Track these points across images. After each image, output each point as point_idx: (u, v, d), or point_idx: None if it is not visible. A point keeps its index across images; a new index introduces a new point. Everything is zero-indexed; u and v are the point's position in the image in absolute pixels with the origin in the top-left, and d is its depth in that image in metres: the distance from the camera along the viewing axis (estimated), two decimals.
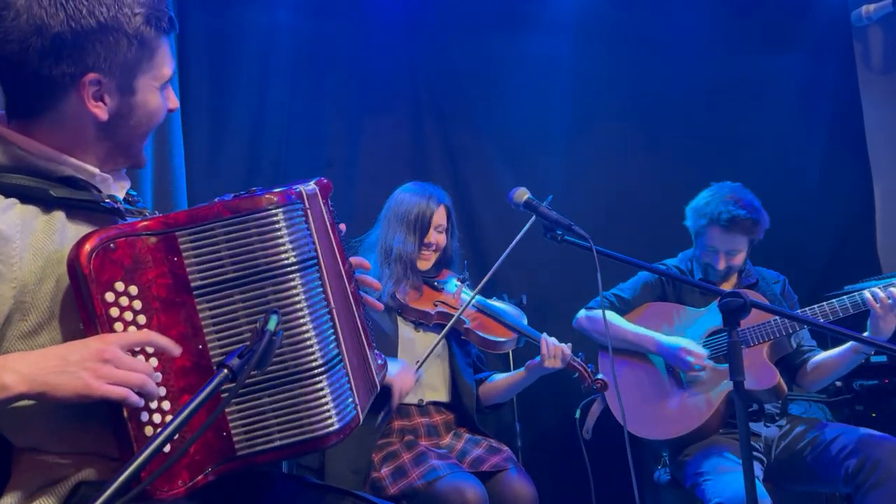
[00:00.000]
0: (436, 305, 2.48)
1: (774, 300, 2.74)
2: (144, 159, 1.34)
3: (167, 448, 1.13)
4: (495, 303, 2.61)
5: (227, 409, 1.20)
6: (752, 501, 1.48)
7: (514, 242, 2.31)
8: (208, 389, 1.01)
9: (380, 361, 1.59)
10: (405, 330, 2.50)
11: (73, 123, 1.21)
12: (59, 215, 1.20)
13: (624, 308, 2.83)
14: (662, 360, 2.74)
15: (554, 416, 3.23)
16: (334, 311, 1.32)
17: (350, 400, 1.30)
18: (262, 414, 1.21)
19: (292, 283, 1.22)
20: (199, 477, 1.19)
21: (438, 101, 3.52)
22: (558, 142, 3.62)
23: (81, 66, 1.17)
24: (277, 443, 1.21)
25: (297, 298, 1.22)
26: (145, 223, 1.19)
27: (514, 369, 2.65)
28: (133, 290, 1.16)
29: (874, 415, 2.88)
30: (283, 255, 1.21)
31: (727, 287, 2.74)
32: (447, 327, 2.39)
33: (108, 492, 0.87)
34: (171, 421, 0.98)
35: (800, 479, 2.55)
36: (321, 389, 1.23)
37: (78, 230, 1.19)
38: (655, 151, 3.69)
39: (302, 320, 1.22)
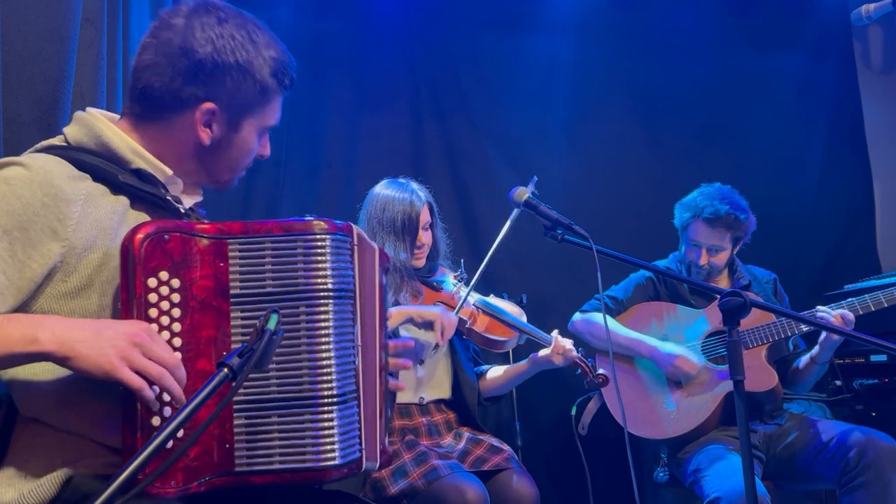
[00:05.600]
0: (436, 305, 2.48)
1: (767, 301, 2.74)
2: (229, 186, 1.48)
3: (169, 444, 1.14)
4: (495, 301, 2.60)
5: (234, 422, 1.22)
6: (751, 498, 1.47)
7: (500, 234, 2.38)
8: (208, 388, 1.02)
9: (389, 448, 1.58)
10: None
11: (178, 137, 1.36)
12: (123, 200, 1.30)
13: (618, 309, 2.84)
14: None
15: (554, 415, 3.23)
16: (360, 350, 1.34)
17: (356, 441, 1.31)
18: (268, 433, 1.23)
19: (324, 308, 1.25)
20: (193, 484, 1.20)
21: (438, 101, 3.52)
22: (558, 142, 3.62)
23: (207, 92, 1.33)
24: (276, 465, 1.22)
25: (325, 324, 1.25)
26: (202, 226, 1.25)
27: (514, 363, 2.65)
28: (175, 283, 1.21)
29: (874, 413, 2.88)
30: (321, 280, 1.25)
31: None
32: (454, 313, 2.39)
33: (111, 489, 0.89)
34: (173, 418, 0.99)
35: (799, 477, 2.55)
36: (330, 420, 1.24)
37: (138, 217, 1.30)
38: (655, 151, 3.69)
39: (325, 346, 1.25)
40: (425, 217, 2.52)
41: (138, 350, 1.11)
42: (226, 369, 1.05)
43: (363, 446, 1.33)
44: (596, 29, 3.68)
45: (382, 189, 2.55)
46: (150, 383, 1.12)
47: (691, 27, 3.75)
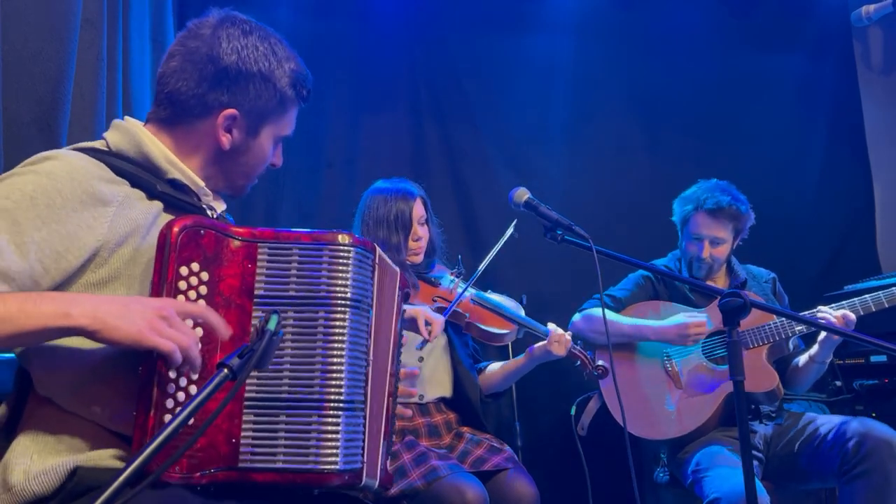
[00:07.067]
0: (434, 301, 2.48)
1: (766, 300, 2.75)
2: (243, 192, 1.55)
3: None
4: (492, 295, 2.60)
5: (243, 419, 1.25)
6: (751, 499, 1.47)
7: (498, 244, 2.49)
8: (209, 388, 1.03)
9: (391, 472, 1.59)
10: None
11: (200, 140, 1.44)
12: (157, 204, 1.38)
13: (617, 308, 2.84)
14: (660, 361, 2.74)
15: (554, 415, 3.23)
16: (371, 365, 1.37)
17: (359, 450, 1.32)
18: (275, 431, 1.25)
19: (340, 315, 1.30)
20: (196, 474, 1.22)
21: (438, 101, 3.53)
22: (558, 142, 3.62)
23: (230, 98, 1.41)
24: (279, 464, 1.24)
25: (341, 330, 1.29)
26: (236, 229, 1.31)
27: (513, 357, 2.65)
28: (205, 275, 1.26)
29: (874, 414, 2.89)
30: (340, 288, 1.30)
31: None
32: (448, 310, 2.40)
33: (118, 481, 0.92)
34: (176, 416, 1.01)
35: (800, 475, 2.55)
36: (336, 424, 1.27)
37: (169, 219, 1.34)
38: (655, 151, 3.69)
39: (338, 351, 1.29)
40: (419, 211, 2.52)
41: (165, 322, 1.17)
42: (226, 370, 1.05)
43: (365, 459, 1.34)
44: (596, 29, 3.69)
45: (376, 190, 2.57)
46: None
47: (691, 27, 3.75)
